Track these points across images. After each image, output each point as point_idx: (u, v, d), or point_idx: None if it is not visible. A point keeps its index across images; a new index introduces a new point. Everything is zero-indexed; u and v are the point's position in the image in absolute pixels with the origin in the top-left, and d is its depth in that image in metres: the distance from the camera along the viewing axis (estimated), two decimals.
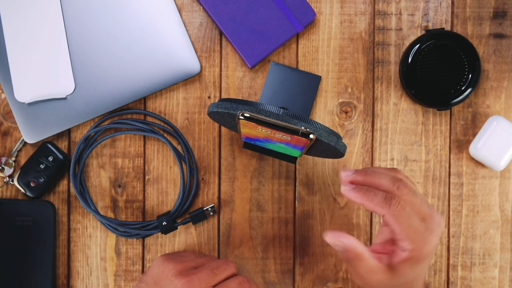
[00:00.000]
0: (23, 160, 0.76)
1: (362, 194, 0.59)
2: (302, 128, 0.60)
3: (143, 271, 0.76)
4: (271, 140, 0.65)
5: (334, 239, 0.59)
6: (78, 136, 0.76)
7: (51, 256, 0.74)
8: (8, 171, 0.75)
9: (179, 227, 0.76)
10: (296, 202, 0.76)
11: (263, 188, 0.76)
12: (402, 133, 0.76)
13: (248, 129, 0.63)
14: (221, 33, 0.76)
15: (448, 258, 0.76)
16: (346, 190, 0.59)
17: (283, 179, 0.76)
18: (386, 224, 0.62)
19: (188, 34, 0.75)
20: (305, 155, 0.75)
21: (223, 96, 0.76)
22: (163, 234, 0.75)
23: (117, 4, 0.74)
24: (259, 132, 0.63)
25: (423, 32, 0.75)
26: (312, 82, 0.74)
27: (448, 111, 0.76)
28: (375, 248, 0.62)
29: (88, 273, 0.76)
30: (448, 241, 0.76)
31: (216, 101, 0.73)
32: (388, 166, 0.75)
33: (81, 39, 0.74)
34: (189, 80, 0.76)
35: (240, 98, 0.76)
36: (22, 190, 0.74)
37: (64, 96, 0.74)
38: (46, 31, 0.74)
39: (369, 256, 0.59)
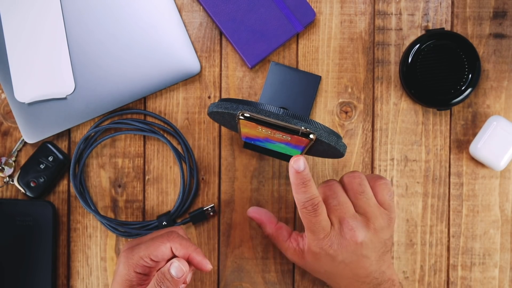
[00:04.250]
0: (23, 160, 0.76)
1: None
2: (302, 128, 0.59)
3: None
4: (271, 140, 0.65)
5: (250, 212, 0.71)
6: (78, 136, 0.76)
7: (51, 256, 0.74)
8: (8, 171, 0.75)
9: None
10: None
11: (263, 188, 0.76)
12: (402, 133, 0.76)
13: (248, 129, 0.63)
14: (221, 33, 0.76)
15: (448, 258, 0.76)
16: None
17: (283, 179, 0.76)
18: None
19: (188, 34, 0.75)
20: (305, 155, 0.75)
21: (223, 96, 0.76)
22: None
23: (117, 4, 0.74)
24: (259, 132, 0.63)
25: (423, 32, 0.75)
26: (312, 82, 0.74)
27: (448, 111, 0.76)
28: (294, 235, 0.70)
29: (88, 273, 0.76)
30: (448, 241, 0.76)
31: (216, 101, 0.73)
32: (388, 166, 0.76)
33: (81, 39, 0.74)
34: (189, 80, 0.76)
35: (240, 98, 0.76)
36: (22, 190, 0.74)
37: (64, 96, 0.74)
38: (46, 31, 0.74)
39: (269, 227, 0.70)
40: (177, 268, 0.60)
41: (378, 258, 0.65)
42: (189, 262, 0.62)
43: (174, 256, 0.62)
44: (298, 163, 0.61)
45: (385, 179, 0.67)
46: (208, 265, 0.62)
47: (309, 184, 0.62)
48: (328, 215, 0.64)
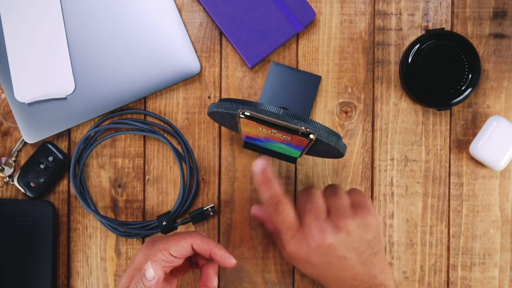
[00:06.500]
0: (23, 160, 0.76)
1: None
2: (302, 128, 0.60)
3: None
4: (272, 140, 0.65)
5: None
6: (78, 136, 0.76)
7: (51, 256, 0.74)
8: (8, 171, 0.75)
9: (179, 227, 0.76)
10: (296, 202, 0.76)
11: None
12: (402, 133, 0.76)
13: (249, 128, 0.64)
14: (221, 33, 0.76)
15: (448, 258, 0.76)
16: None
17: (283, 179, 0.76)
18: None
19: (188, 34, 0.75)
20: (305, 155, 0.75)
21: (223, 96, 0.76)
22: (163, 234, 0.75)
23: (117, 4, 0.74)
24: (260, 131, 0.63)
25: (423, 32, 0.75)
26: (312, 82, 0.74)
27: (448, 111, 0.76)
28: None
29: (88, 273, 0.76)
30: (448, 241, 0.76)
31: (216, 101, 0.73)
32: (388, 166, 0.76)
33: (81, 39, 0.74)
34: (189, 80, 0.76)
35: (240, 98, 0.76)
36: (22, 190, 0.74)
37: (64, 96, 0.74)
38: (46, 31, 0.74)
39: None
40: (147, 269, 0.60)
41: (362, 260, 0.64)
42: (212, 257, 0.64)
43: (194, 253, 0.64)
44: (257, 165, 0.65)
45: (357, 189, 0.69)
46: (231, 260, 0.63)
47: (270, 183, 0.65)
48: (303, 218, 0.65)
